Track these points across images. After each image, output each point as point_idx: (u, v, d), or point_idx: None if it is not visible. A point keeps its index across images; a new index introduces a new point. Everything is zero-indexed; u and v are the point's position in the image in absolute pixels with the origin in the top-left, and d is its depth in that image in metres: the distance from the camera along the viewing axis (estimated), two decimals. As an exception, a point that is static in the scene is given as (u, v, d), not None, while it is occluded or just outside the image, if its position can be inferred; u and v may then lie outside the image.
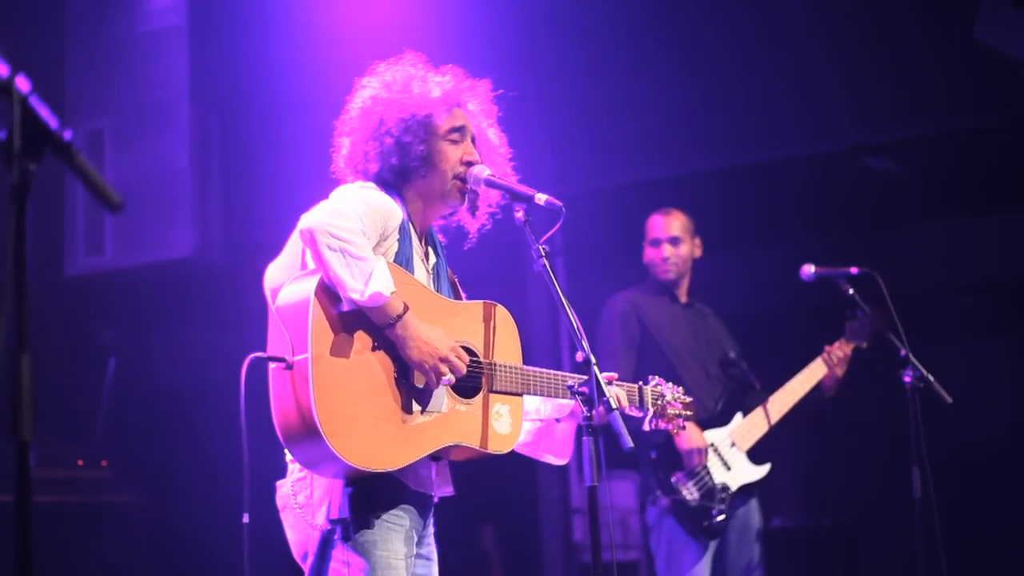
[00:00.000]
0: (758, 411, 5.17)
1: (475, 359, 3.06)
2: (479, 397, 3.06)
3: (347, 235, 2.82)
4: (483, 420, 3.05)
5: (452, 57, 3.30)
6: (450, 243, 3.33)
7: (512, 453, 3.22)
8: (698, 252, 5.40)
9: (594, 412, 2.95)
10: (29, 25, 6.42)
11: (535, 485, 6.89)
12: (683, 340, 5.28)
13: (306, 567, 3.00)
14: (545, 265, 3.02)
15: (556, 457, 3.32)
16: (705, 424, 5.07)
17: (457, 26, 6.14)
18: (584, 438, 2.93)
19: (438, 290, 3.14)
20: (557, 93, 6.27)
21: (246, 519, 2.92)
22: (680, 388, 3.56)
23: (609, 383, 3.17)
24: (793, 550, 6.97)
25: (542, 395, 3.16)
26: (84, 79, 6.49)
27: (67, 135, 1.70)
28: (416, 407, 2.95)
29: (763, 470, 5.14)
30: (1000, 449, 6.89)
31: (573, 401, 3.12)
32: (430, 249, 3.21)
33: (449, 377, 2.94)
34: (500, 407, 3.09)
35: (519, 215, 3.08)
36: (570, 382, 3.11)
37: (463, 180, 3.14)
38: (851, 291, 5.05)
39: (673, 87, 6.13)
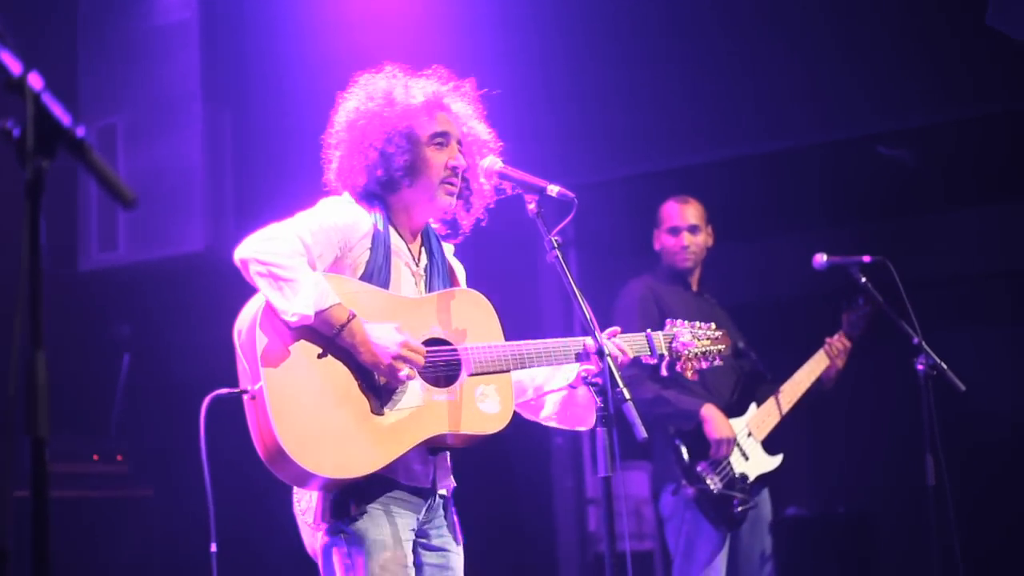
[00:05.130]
0: (771, 401, 5.16)
1: (447, 347, 3.06)
2: (459, 384, 3.06)
3: (273, 259, 2.90)
4: (467, 405, 3.04)
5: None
6: (459, 235, 3.33)
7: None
8: (711, 241, 5.40)
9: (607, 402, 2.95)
10: (41, 22, 6.43)
11: (549, 476, 6.89)
12: (698, 329, 5.26)
13: (319, 565, 3.08)
14: (558, 256, 3.01)
15: (584, 426, 3.30)
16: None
17: (466, 18, 6.13)
18: (598, 428, 2.93)
19: (429, 290, 3.16)
20: (567, 83, 6.25)
21: (214, 548, 3.10)
22: (701, 323, 3.53)
23: (612, 337, 3.18)
24: (807, 539, 6.97)
25: (531, 366, 3.15)
26: (96, 75, 6.49)
27: (80, 131, 1.70)
28: (387, 407, 2.97)
29: (776, 460, 5.14)
30: (1013, 436, 6.87)
31: (577, 365, 3.13)
32: (423, 251, 3.23)
33: (407, 372, 2.95)
34: (484, 388, 3.08)
35: (531, 207, 3.09)
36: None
37: (450, 183, 3.15)
38: (863, 279, 5.03)
39: (684, 76, 6.11)
